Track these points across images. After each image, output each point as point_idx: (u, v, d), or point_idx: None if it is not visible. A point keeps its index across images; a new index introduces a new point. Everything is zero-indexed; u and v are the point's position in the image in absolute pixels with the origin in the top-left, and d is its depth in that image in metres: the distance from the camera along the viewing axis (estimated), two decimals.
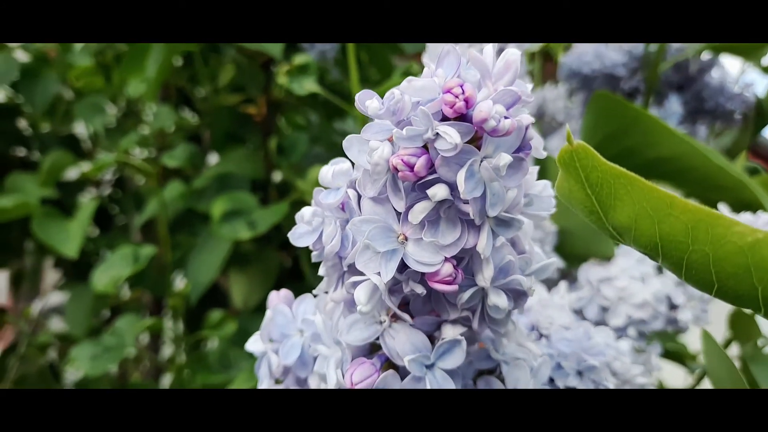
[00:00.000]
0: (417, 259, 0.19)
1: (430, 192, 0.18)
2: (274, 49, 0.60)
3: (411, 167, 0.18)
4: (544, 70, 0.89)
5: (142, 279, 0.85)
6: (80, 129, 1.06)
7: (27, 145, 1.00)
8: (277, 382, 0.26)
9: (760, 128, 0.73)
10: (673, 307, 0.37)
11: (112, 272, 0.68)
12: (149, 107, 0.97)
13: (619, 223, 0.16)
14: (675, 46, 0.68)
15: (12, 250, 1.02)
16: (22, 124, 1.02)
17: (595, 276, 0.37)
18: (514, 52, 0.18)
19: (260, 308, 0.80)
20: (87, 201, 0.89)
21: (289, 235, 0.23)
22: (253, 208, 0.71)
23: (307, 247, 0.70)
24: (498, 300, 0.21)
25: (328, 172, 0.22)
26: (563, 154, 0.16)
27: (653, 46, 0.65)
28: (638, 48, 0.67)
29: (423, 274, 0.20)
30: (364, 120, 0.57)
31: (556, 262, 0.23)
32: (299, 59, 0.52)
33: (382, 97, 0.19)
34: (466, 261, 0.20)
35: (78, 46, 0.79)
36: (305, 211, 0.22)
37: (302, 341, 0.25)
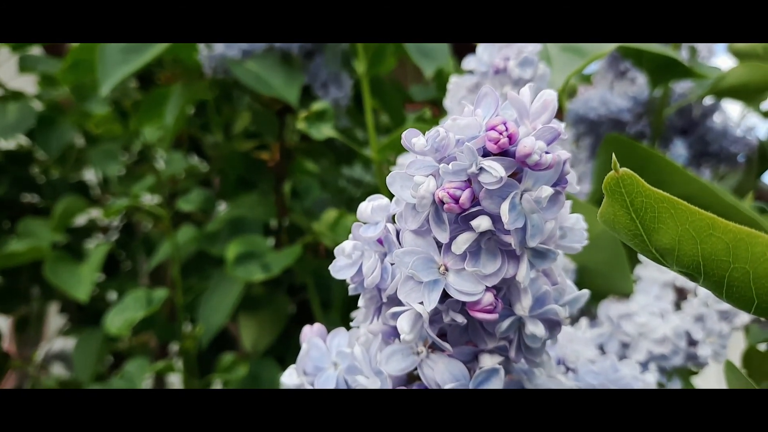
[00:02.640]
0: (459, 288, 0.20)
1: (474, 223, 0.19)
2: (291, 95, 0.62)
3: (456, 200, 0.19)
4: None
5: (151, 323, 0.85)
6: (89, 176, 1.08)
7: (38, 191, 1.02)
8: None
9: (764, 170, 0.74)
10: (692, 342, 0.37)
11: (126, 315, 0.69)
12: (160, 155, 0.99)
13: (663, 245, 0.17)
14: (678, 91, 0.70)
15: (20, 295, 1.03)
16: (34, 170, 1.04)
17: (615, 312, 0.37)
18: (550, 93, 0.19)
19: (270, 352, 0.80)
20: (96, 246, 0.90)
21: (330, 268, 0.23)
22: (266, 251, 0.72)
23: (318, 291, 0.70)
24: (535, 329, 0.21)
25: (367, 207, 0.23)
26: (609, 181, 0.17)
27: (657, 92, 0.67)
28: (643, 94, 0.69)
29: (464, 303, 0.21)
30: (380, 166, 0.58)
31: (587, 293, 0.24)
32: (317, 106, 0.54)
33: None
34: (504, 291, 0.21)
35: (98, 94, 0.82)
36: (345, 245, 0.23)
37: (337, 374, 0.26)
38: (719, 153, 0.72)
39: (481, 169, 0.18)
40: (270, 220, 0.85)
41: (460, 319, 0.21)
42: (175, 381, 1.00)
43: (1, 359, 0.99)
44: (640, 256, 0.42)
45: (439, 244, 0.21)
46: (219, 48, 0.65)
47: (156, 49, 0.59)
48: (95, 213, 1.05)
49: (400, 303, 0.22)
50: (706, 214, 0.16)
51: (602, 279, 0.40)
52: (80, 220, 1.03)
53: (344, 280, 0.24)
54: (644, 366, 0.37)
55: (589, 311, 0.42)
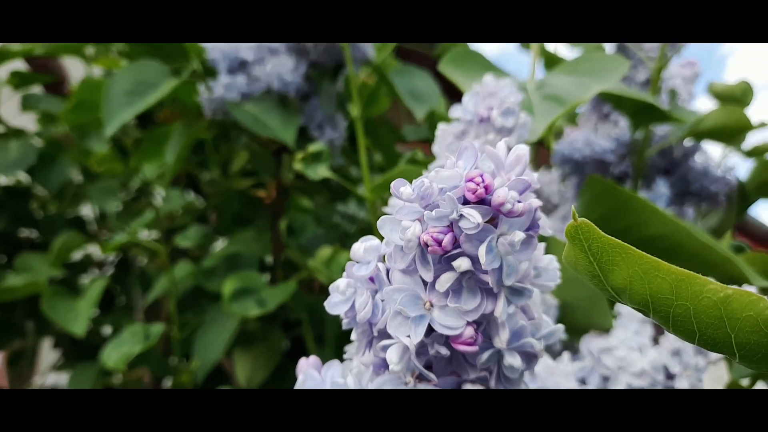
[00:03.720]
0: (442, 323, 0.22)
1: (455, 264, 0.21)
2: (288, 137, 0.64)
3: (439, 243, 0.21)
4: (538, 156, 0.94)
5: (146, 358, 0.86)
6: (86, 211, 1.10)
7: (36, 226, 1.04)
8: None
9: (744, 209, 0.77)
10: (670, 376, 0.39)
11: (123, 349, 0.70)
12: (158, 191, 1.01)
13: (617, 284, 0.19)
14: (659, 133, 0.73)
15: (15, 330, 1.03)
16: (32, 206, 1.06)
17: (596, 347, 0.39)
18: (523, 148, 0.21)
19: (264, 387, 0.81)
20: (92, 281, 0.91)
21: (325, 304, 0.25)
22: (262, 287, 0.73)
23: (312, 326, 0.72)
24: (513, 360, 0.23)
25: (359, 248, 0.25)
26: (570, 229, 0.19)
27: (639, 134, 0.70)
28: (625, 135, 0.72)
29: (447, 337, 0.23)
30: (373, 205, 0.60)
31: (562, 328, 0.26)
32: (314, 147, 0.56)
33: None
34: (484, 326, 0.23)
35: (99, 133, 0.84)
36: (340, 283, 0.25)
37: None
38: (700, 192, 0.74)
39: (461, 216, 0.21)
40: (266, 257, 0.87)
41: (444, 351, 0.23)
42: None
43: None
44: None
45: (424, 283, 0.23)
46: (219, 90, 0.68)
47: (159, 92, 0.61)
48: (90, 248, 1.07)
49: (389, 336, 0.24)
50: (652, 258, 0.18)
51: (583, 314, 0.42)
52: (76, 255, 1.05)
53: (338, 317, 0.26)
54: None
55: (571, 346, 0.44)
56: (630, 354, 0.38)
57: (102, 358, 0.71)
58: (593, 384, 0.39)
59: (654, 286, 0.18)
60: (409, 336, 0.22)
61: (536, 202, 0.21)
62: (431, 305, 0.23)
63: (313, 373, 0.29)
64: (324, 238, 0.89)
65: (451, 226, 0.21)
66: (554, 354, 0.41)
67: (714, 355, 0.40)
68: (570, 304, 0.42)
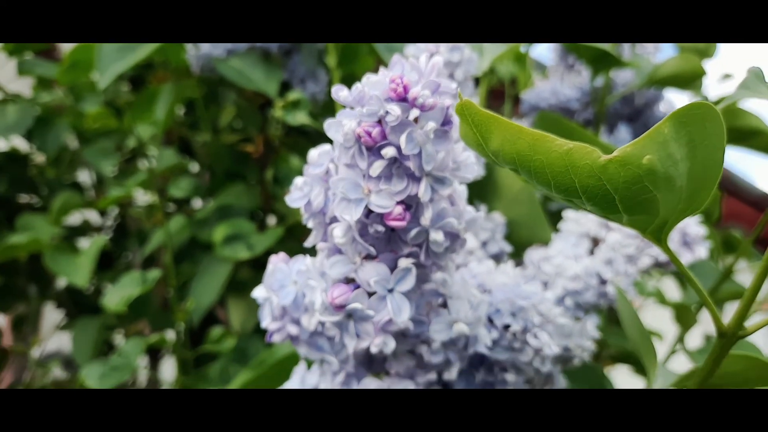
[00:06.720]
0: (377, 204, 0.27)
1: (383, 152, 0.26)
2: (271, 89, 0.69)
3: (370, 134, 0.26)
4: (515, 110, 0.99)
5: (144, 310, 0.91)
6: (83, 177, 1.14)
7: (35, 191, 1.08)
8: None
9: None
10: (603, 281, 0.44)
11: (122, 292, 0.75)
12: (152, 154, 1.05)
13: (494, 148, 0.24)
14: (620, 81, 0.77)
15: (17, 293, 1.07)
16: (31, 172, 1.10)
17: (537, 256, 0.45)
18: (437, 59, 0.26)
19: (257, 331, 0.87)
20: (92, 240, 0.95)
21: (286, 198, 0.30)
22: (251, 233, 0.78)
23: None
24: (437, 236, 0.29)
25: (315, 153, 0.30)
26: (458, 107, 0.24)
27: (599, 81, 0.75)
28: (587, 84, 0.76)
29: (382, 216, 0.28)
30: None
31: (482, 215, 0.31)
32: (293, 95, 0.61)
33: None
34: (414, 208, 0.28)
35: (93, 94, 0.88)
36: (298, 180, 0.30)
37: (296, 289, 0.33)
38: None
39: (386, 112, 0.26)
40: (256, 210, 0.92)
41: (380, 228, 0.28)
42: (167, 366, 1.05)
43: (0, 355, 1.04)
44: (564, 214, 0.49)
45: (364, 175, 0.28)
46: (205, 47, 0.72)
47: (148, 47, 0.66)
48: (90, 215, 1.11)
49: (338, 221, 0.29)
50: (516, 124, 0.23)
51: (527, 230, 0.47)
52: (75, 219, 1.09)
53: None
54: (561, 301, 0.44)
55: (518, 262, 0.49)
56: (565, 261, 0.44)
57: (104, 303, 0.76)
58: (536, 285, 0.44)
59: (518, 146, 0.23)
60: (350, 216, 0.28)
61: (448, 102, 0.26)
62: (369, 191, 0.28)
63: (281, 265, 0.34)
64: None
65: (380, 122, 0.26)
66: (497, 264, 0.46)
67: (641, 263, 0.45)
68: (516, 222, 0.47)
